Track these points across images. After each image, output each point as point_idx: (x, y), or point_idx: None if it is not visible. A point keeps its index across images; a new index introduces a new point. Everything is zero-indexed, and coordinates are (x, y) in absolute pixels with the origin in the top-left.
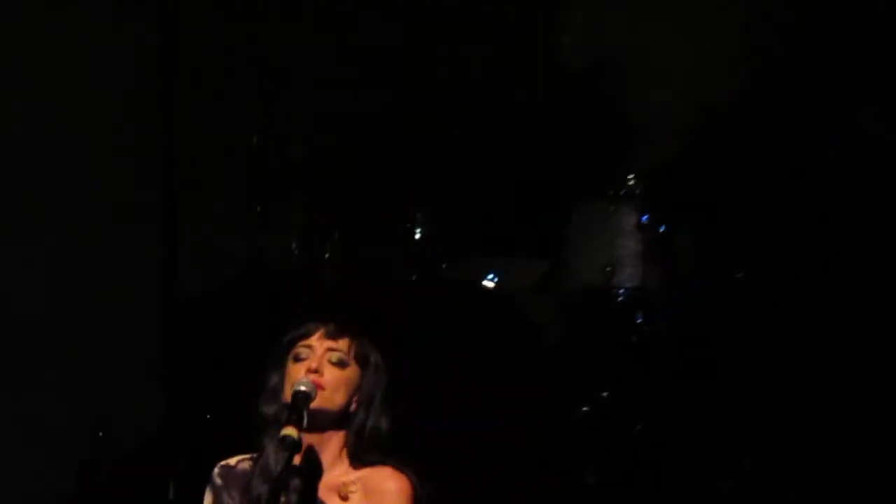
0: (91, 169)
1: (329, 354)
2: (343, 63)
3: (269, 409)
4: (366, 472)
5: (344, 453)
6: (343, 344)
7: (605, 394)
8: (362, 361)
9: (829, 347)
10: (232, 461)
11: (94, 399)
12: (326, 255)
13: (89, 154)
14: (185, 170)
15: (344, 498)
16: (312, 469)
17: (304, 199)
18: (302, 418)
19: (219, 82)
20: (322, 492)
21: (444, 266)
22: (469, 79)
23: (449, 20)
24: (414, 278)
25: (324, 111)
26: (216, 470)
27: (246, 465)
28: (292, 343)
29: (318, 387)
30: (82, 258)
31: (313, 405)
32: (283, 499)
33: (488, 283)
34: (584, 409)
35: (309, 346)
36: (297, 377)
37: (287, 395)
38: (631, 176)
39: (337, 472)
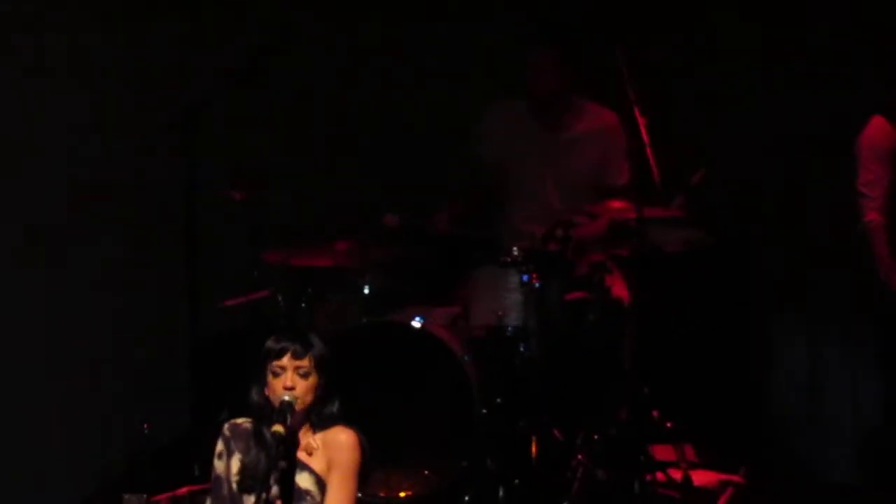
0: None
1: (297, 370)
2: None
3: (256, 399)
4: (324, 433)
5: (307, 426)
6: (306, 361)
7: (498, 400)
8: (319, 370)
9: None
10: (238, 421)
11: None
12: (302, 305)
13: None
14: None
15: (309, 454)
16: (293, 443)
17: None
18: (287, 419)
19: None
20: (297, 453)
21: (385, 313)
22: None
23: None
24: (364, 321)
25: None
26: (226, 426)
27: (248, 426)
28: (268, 357)
29: (295, 398)
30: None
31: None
32: (280, 464)
33: (416, 324)
34: (483, 411)
35: (282, 366)
36: (279, 391)
37: (274, 402)
38: (515, 249)
39: (304, 437)
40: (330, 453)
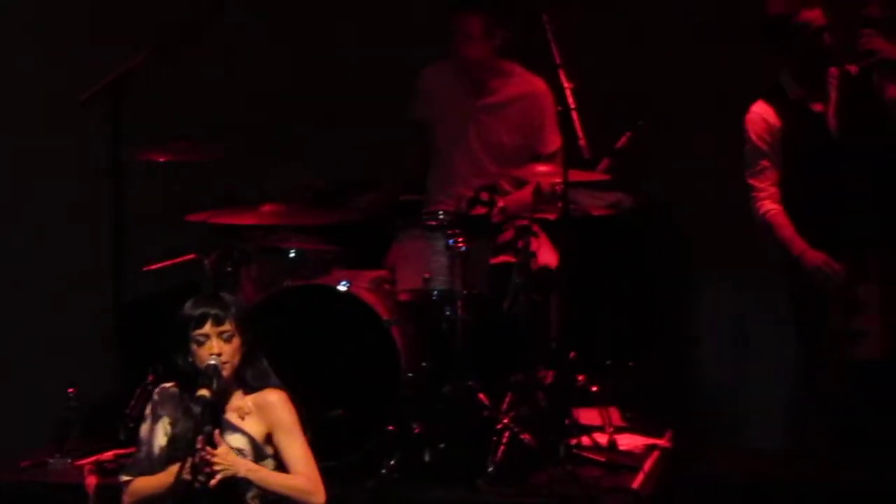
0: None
1: (220, 335)
2: None
3: (182, 367)
4: (254, 396)
5: (238, 389)
6: (227, 325)
7: (424, 364)
8: (242, 329)
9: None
10: (167, 385)
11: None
12: (228, 269)
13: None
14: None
15: (242, 417)
16: (219, 406)
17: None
18: (213, 383)
19: None
20: (228, 416)
21: (311, 276)
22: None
23: None
24: (289, 284)
25: None
26: (157, 389)
27: (175, 390)
28: (189, 325)
29: (221, 363)
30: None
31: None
32: (207, 428)
33: (342, 287)
34: (409, 375)
35: (204, 334)
36: (205, 357)
37: (201, 367)
38: (440, 213)
39: (235, 400)
40: (265, 416)
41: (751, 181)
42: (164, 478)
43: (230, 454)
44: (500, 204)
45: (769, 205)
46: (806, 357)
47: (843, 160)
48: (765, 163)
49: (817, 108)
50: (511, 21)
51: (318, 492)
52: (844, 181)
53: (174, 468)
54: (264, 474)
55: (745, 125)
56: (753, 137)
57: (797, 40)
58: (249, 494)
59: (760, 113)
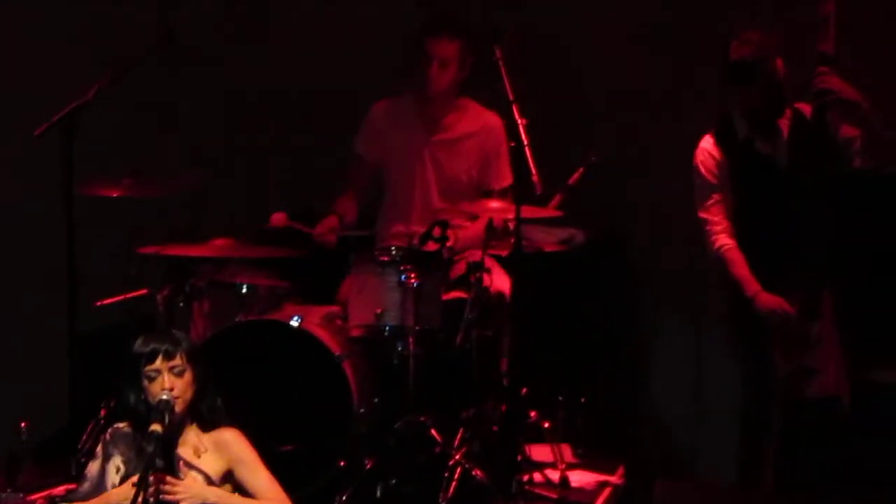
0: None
1: (171, 370)
2: None
3: (134, 404)
4: (212, 434)
5: (194, 425)
6: (178, 359)
7: (376, 399)
8: (193, 363)
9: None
10: (120, 425)
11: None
12: (180, 304)
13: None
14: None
15: (198, 455)
16: (171, 441)
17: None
18: (165, 418)
19: None
20: (183, 452)
21: (263, 311)
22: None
23: None
24: (241, 319)
25: None
26: (109, 430)
27: (128, 430)
28: (140, 362)
29: (173, 398)
30: None
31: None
32: (157, 462)
33: (294, 323)
34: (361, 410)
35: (156, 369)
36: (157, 393)
37: (153, 401)
38: (393, 248)
39: (191, 437)
40: (224, 454)
41: (703, 215)
42: None
43: (196, 483)
44: (452, 239)
45: (724, 239)
46: (755, 394)
47: (794, 197)
48: (716, 196)
49: (765, 148)
50: (477, 54)
51: None
52: (794, 218)
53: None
54: (235, 500)
55: (694, 160)
56: (703, 171)
57: (758, 87)
58: None
59: (708, 148)
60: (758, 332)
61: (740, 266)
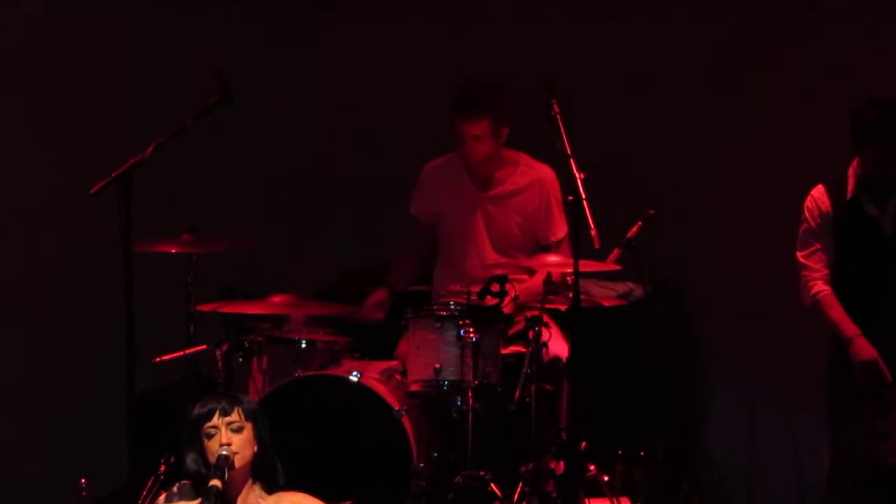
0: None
1: (229, 426)
2: None
3: (194, 467)
4: (277, 496)
5: (256, 485)
6: (235, 415)
7: (435, 454)
8: (252, 421)
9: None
10: (186, 482)
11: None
12: (240, 360)
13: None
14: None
15: None
16: (230, 498)
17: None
18: (224, 473)
19: None
20: None
21: (322, 367)
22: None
23: None
24: (300, 375)
25: None
26: (178, 483)
27: (192, 488)
28: (199, 423)
29: (232, 453)
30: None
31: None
32: None
33: (353, 378)
34: (420, 465)
35: (214, 426)
36: (215, 449)
37: (212, 458)
38: (451, 304)
39: (253, 497)
40: None
41: (802, 260)
42: None
43: None
44: (511, 294)
45: (820, 285)
46: (834, 454)
47: (893, 262)
48: (818, 244)
49: (871, 211)
50: (513, 117)
51: None
52: (892, 283)
53: None
54: None
55: (803, 206)
56: (808, 218)
57: (874, 150)
58: None
59: (817, 197)
60: (846, 388)
61: (837, 310)
